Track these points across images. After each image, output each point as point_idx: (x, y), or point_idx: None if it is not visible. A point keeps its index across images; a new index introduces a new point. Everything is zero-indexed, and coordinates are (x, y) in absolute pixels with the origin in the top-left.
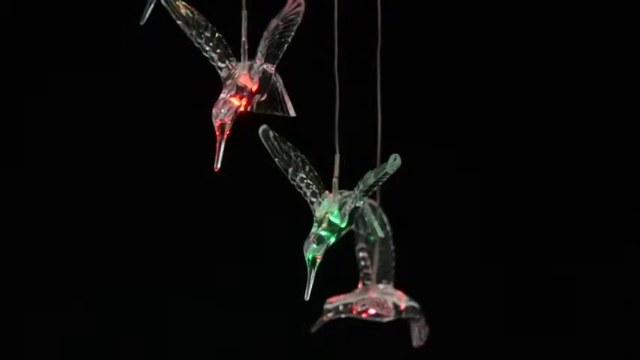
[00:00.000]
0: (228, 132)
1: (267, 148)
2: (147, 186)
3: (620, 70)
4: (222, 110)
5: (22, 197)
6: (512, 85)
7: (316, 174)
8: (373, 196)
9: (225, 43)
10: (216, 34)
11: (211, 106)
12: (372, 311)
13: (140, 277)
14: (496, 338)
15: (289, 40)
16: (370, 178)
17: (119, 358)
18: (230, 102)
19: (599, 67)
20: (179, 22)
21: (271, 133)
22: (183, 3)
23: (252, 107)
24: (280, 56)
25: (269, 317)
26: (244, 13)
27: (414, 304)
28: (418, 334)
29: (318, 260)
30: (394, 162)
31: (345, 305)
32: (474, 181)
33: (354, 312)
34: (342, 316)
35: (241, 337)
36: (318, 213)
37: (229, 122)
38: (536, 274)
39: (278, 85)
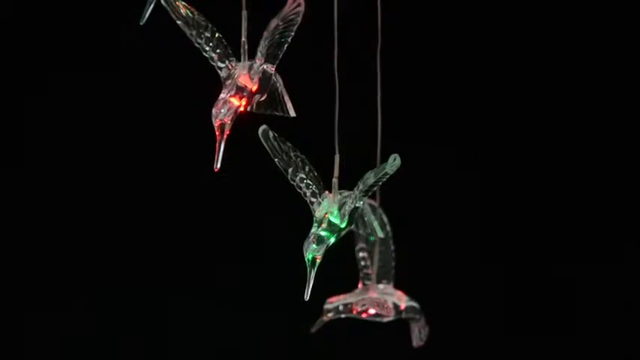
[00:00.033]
0: (228, 132)
1: (267, 148)
2: (147, 186)
3: (620, 70)
4: (222, 110)
5: (22, 197)
6: (512, 85)
7: (316, 174)
8: (373, 196)
9: (225, 43)
10: (216, 34)
11: (211, 106)
12: (372, 311)
13: (140, 277)
14: (496, 338)
15: (289, 40)
16: (370, 178)
17: (119, 358)
18: (230, 102)
19: (599, 67)
20: (179, 22)
21: (271, 134)
22: (183, 3)
23: (252, 107)
24: (280, 56)
25: (269, 317)
26: (244, 13)
27: (414, 304)
28: (418, 334)
29: (318, 260)
30: (394, 162)
31: (345, 305)
32: (474, 181)
33: (354, 312)
34: (342, 316)
35: (241, 337)
36: (318, 213)
37: (229, 122)
38: (536, 274)
39: (278, 85)
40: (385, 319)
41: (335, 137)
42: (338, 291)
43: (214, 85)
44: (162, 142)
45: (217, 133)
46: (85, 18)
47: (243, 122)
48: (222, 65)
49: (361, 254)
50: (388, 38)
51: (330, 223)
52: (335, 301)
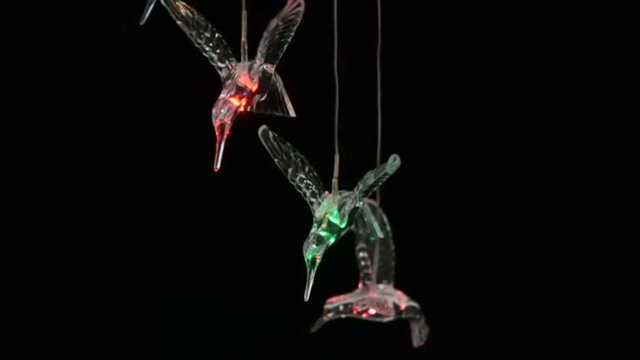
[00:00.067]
0: (227, 132)
1: (267, 148)
2: (147, 186)
3: (620, 70)
4: (222, 110)
5: (22, 197)
6: (512, 85)
7: (316, 174)
8: (373, 197)
9: (225, 43)
10: (216, 35)
11: (211, 106)
12: (372, 311)
13: (140, 277)
14: (496, 338)
15: (289, 40)
16: (370, 178)
17: (119, 358)
18: (230, 102)
19: (599, 67)
20: (179, 22)
21: (271, 134)
22: (183, 3)
23: (252, 107)
24: (280, 56)
25: (269, 317)
26: (244, 13)
27: (414, 304)
28: (418, 334)
29: (318, 260)
30: (394, 162)
31: (346, 305)
32: (474, 181)
33: (355, 312)
34: (343, 316)
35: (241, 337)
36: (318, 213)
37: (229, 122)
38: (536, 274)
39: (278, 85)
40: (385, 319)
41: (335, 137)
42: (338, 291)
43: (214, 85)
44: (163, 142)
45: (217, 133)
46: (85, 18)
47: (243, 122)
48: (222, 65)
49: (361, 254)
50: (388, 38)
51: (329, 223)
52: (335, 301)
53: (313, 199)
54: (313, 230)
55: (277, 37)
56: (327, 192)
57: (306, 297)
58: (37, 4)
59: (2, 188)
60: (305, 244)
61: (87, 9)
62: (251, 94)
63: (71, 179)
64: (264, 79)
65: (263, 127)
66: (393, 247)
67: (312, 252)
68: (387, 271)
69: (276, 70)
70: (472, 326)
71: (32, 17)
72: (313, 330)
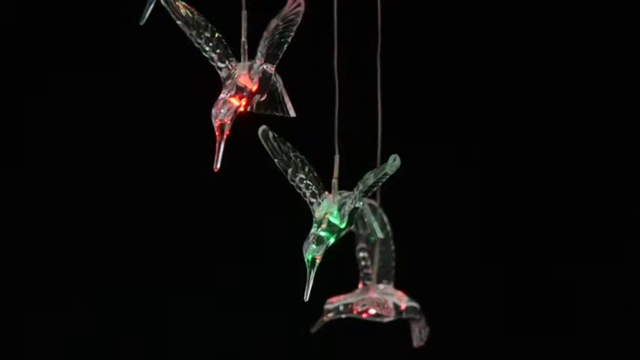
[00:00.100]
0: (227, 132)
1: (267, 148)
2: (147, 186)
3: (620, 70)
4: (222, 110)
5: (22, 197)
6: (512, 85)
7: (316, 174)
8: (373, 197)
9: (225, 43)
10: (216, 35)
11: (211, 106)
12: (372, 311)
13: (140, 277)
14: (496, 338)
15: (289, 40)
16: (370, 178)
17: (119, 358)
18: (230, 102)
19: (598, 67)
20: (179, 22)
21: (271, 134)
22: (183, 3)
23: (251, 107)
24: (280, 56)
25: (269, 317)
26: (244, 13)
27: (415, 304)
28: (418, 335)
29: (318, 261)
30: (394, 162)
31: (346, 305)
32: (474, 181)
33: (355, 312)
34: (343, 316)
35: (241, 337)
36: (318, 214)
37: (229, 122)
38: (536, 274)
39: (278, 85)
40: (385, 320)
41: (335, 137)
42: (338, 291)
43: (214, 85)
44: (163, 142)
45: (217, 133)
46: (85, 18)
47: (243, 122)
48: (222, 65)
49: (361, 254)
50: (388, 38)
51: (329, 223)
52: (335, 302)
53: (313, 200)
54: (313, 230)
55: (277, 37)
56: (327, 192)
57: (306, 297)
58: (37, 4)
59: (2, 188)
60: (305, 245)
61: (87, 9)
62: (251, 94)
63: (71, 179)
64: (264, 79)
65: (263, 127)
66: (393, 247)
67: (312, 252)
68: (387, 271)
69: (276, 70)
70: (472, 326)
71: (32, 17)
72: (313, 330)
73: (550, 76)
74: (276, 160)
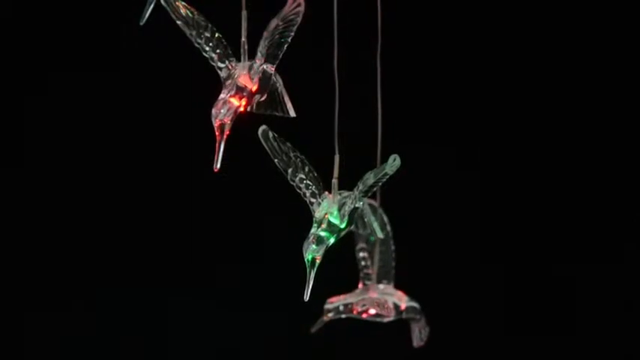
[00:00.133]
0: (227, 132)
1: (267, 148)
2: (147, 186)
3: (620, 70)
4: (222, 110)
5: (22, 197)
6: (512, 85)
7: (316, 174)
8: (373, 197)
9: (225, 43)
10: (216, 35)
11: (211, 106)
12: (372, 311)
13: (140, 277)
14: (496, 338)
15: (289, 40)
16: (370, 178)
17: (119, 358)
18: (230, 102)
19: (598, 67)
20: (179, 22)
21: (271, 134)
22: (183, 3)
23: (251, 107)
24: (280, 56)
25: (269, 317)
26: (244, 13)
27: (415, 304)
28: (418, 335)
29: (318, 261)
30: (394, 162)
31: (346, 305)
32: (474, 181)
33: (355, 312)
34: (343, 316)
35: (241, 337)
36: (318, 214)
37: (229, 122)
38: (536, 274)
39: (278, 85)
40: (385, 320)
41: (335, 137)
42: (338, 291)
43: (214, 85)
44: (163, 142)
45: (217, 133)
46: (85, 18)
47: (243, 122)
48: (222, 65)
49: (361, 254)
50: (388, 38)
51: (329, 223)
52: (335, 302)
53: (313, 200)
54: (313, 230)
55: (277, 37)
56: (327, 192)
57: (306, 297)
58: (37, 4)
59: (2, 188)
60: (305, 245)
61: (87, 9)
62: (251, 94)
63: (71, 179)
64: (264, 79)
65: (263, 127)
66: (393, 247)
67: (312, 252)
68: (387, 271)
69: (276, 70)
70: (472, 326)
71: (32, 17)
72: (313, 330)
73: (550, 76)
74: (276, 160)
